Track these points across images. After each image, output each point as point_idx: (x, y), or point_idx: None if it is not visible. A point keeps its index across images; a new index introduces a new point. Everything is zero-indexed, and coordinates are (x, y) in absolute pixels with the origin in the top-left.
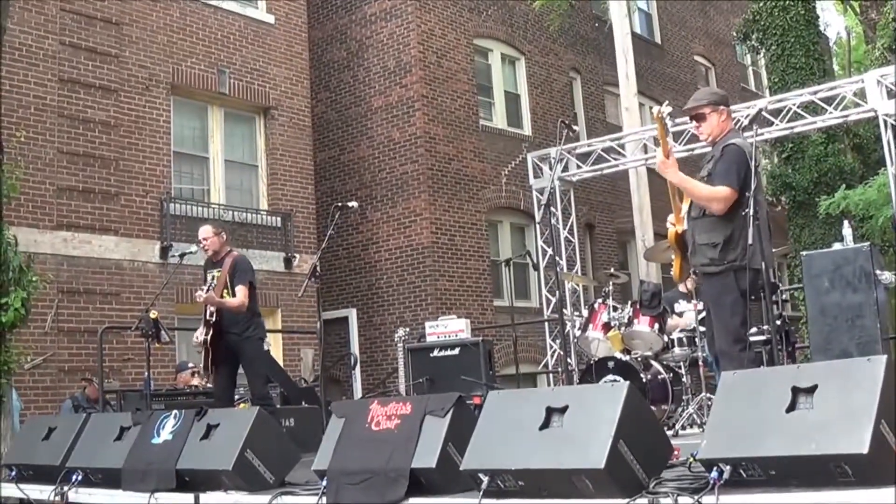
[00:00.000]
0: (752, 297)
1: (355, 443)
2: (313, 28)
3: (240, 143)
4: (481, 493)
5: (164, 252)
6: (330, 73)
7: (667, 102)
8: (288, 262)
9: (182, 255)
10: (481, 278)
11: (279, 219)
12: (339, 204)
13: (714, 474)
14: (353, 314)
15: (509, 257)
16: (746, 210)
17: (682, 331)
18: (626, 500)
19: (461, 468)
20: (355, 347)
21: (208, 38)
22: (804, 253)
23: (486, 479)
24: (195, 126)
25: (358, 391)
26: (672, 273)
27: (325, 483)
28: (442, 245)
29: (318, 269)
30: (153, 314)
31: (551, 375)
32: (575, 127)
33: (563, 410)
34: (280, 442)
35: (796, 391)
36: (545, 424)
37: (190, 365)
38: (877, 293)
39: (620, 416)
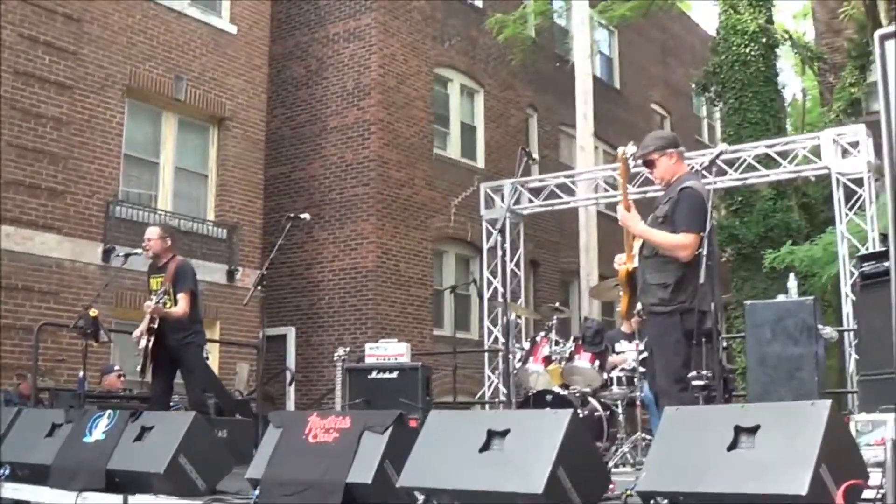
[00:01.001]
0: (695, 342)
1: (291, 454)
2: (274, 43)
3: (192, 151)
4: None
5: (107, 254)
6: (287, 89)
7: (631, 143)
8: (231, 274)
9: (127, 256)
10: (423, 306)
11: (225, 231)
12: (292, 214)
13: None
14: (291, 332)
15: (454, 284)
16: (700, 250)
17: (621, 370)
18: None
19: (397, 485)
20: (292, 366)
21: (169, 43)
22: (748, 302)
23: (421, 498)
24: (148, 130)
25: (291, 409)
26: (619, 310)
27: (257, 492)
28: (386, 270)
29: (265, 278)
30: (93, 312)
31: (487, 406)
32: (535, 156)
33: (504, 434)
34: (214, 449)
35: (739, 430)
36: (485, 447)
37: (116, 368)
38: (817, 347)
39: (562, 443)
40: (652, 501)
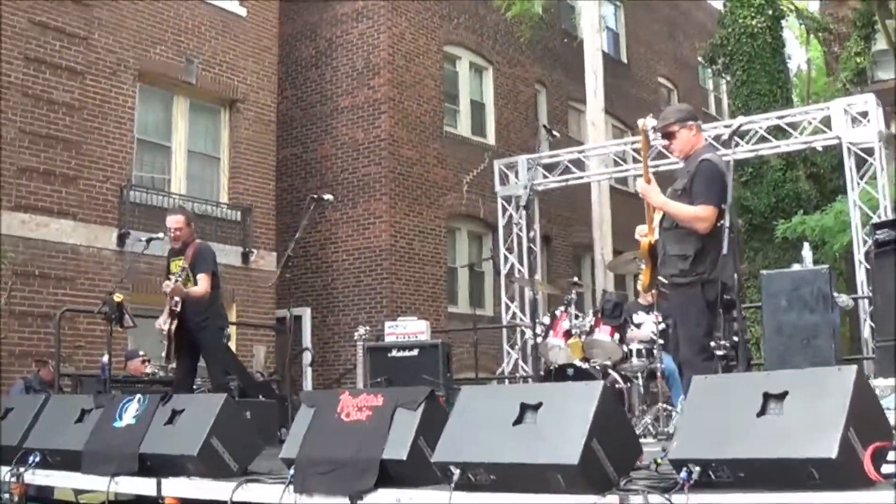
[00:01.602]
0: (717, 312)
1: (325, 432)
2: (283, 24)
3: (204, 134)
4: (452, 485)
5: (122, 239)
6: (297, 70)
7: (650, 115)
8: (245, 256)
9: (149, 241)
10: (437, 284)
11: (239, 213)
12: (315, 195)
13: (683, 474)
14: (307, 313)
15: (472, 262)
16: (721, 222)
17: (640, 342)
18: (597, 497)
19: (432, 461)
20: (308, 346)
21: (178, 27)
22: (764, 272)
23: (457, 472)
24: (160, 114)
25: (308, 389)
26: (640, 283)
27: (292, 471)
28: (400, 248)
29: (291, 260)
30: (118, 297)
31: (507, 381)
32: (556, 133)
33: (536, 407)
34: (245, 431)
35: (767, 397)
36: (518, 420)
37: (140, 353)
38: (833, 315)
39: (594, 414)
40: (684, 468)
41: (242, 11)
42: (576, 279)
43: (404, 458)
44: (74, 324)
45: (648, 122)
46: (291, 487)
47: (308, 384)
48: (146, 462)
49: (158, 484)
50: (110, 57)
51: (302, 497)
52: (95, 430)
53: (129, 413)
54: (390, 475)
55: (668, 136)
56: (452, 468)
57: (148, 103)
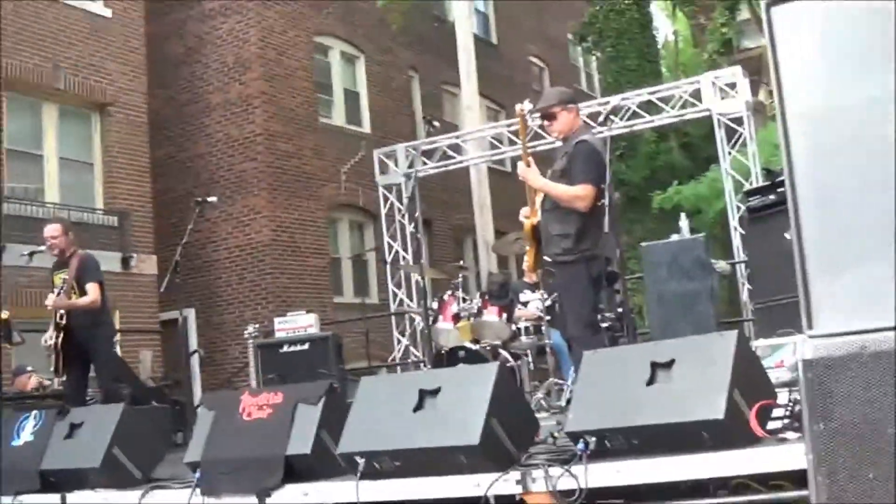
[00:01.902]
0: (602, 286)
1: (228, 433)
2: (151, 23)
3: (75, 140)
4: (358, 475)
5: None
6: (168, 69)
7: (528, 100)
8: (125, 262)
9: (32, 254)
10: (321, 275)
11: (116, 218)
12: (199, 199)
13: (581, 446)
14: (191, 314)
15: (358, 252)
16: (602, 201)
17: (528, 320)
18: (501, 474)
19: (337, 452)
20: (194, 347)
21: (43, 32)
22: (643, 244)
23: (362, 462)
24: (28, 123)
25: (198, 392)
26: (525, 265)
27: (198, 474)
28: (282, 243)
29: (179, 265)
30: (4, 314)
31: (399, 368)
32: (436, 123)
33: (435, 392)
34: (145, 438)
35: (655, 366)
36: (419, 406)
37: (28, 368)
38: (712, 281)
39: (492, 395)
40: (581, 440)
41: (108, 13)
42: (461, 263)
43: (308, 452)
44: None
45: (526, 106)
46: (198, 490)
47: (198, 386)
48: (49, 478)
49: (63, 499)
50: None
51: (210, 499)
52: None
53: (27, 430)
54: (296, 470)
55: (549, 117)
56: (357, 458)
57: (15, 112)
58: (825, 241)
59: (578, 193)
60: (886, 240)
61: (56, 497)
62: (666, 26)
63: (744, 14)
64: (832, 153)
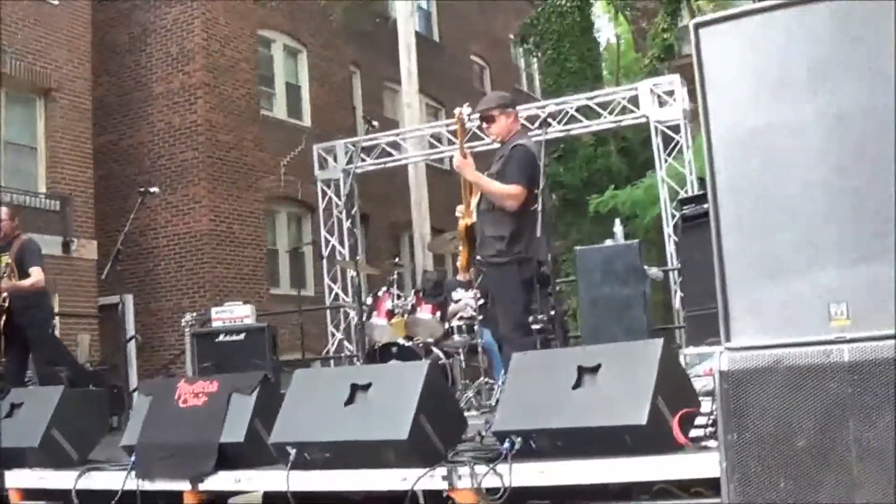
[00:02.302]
0: (533, 289)
1: (164, 419)
2: (97, 10)
3: (20, 124)
4: (289, 464)
5: None
6: (112, 56)
7: (467, 104)
8: (66, 245)
9: None
10: (258, 266)
11: (58, 202)
12: (142, 189)
13: (506, 445)
14: (129, 300)
15: (295, 245)
16: (535, 206)
17: (461, 318)
18: (427, 469)
19: (270, 441)
20: (131, 333)
21: None
22: (577, 248)
23: (293, 452)
24: None
25: (134, 377)
26: (459, 263)
27: (133, 458)
28: (220, 233)
29: (120, 253)
30: None
31: (333, 362)
32: (375, 123)
33: (366, 387)
34: (83, 421)
35: (582, 370)
36: (350, 400)
37: None
38: (644, 287)
39: (421, 392)
40: (507, 439)
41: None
42: (397, 260)
43: (242, 440)
44: None
45: (465, 110)
46: (133, 473)
47: (133, 371)
48: None
49: (1, 476)
50: None
51: (144, 483)
52: None
53: None
54: (229, 457)
55: (488, 119)
56: (289, 448)
57: None
58: (743, 256)
59: (510, 192)
60: (801, 258)
61: None
62: (609, 29)
63: (685, 20)
64: (752, 171)
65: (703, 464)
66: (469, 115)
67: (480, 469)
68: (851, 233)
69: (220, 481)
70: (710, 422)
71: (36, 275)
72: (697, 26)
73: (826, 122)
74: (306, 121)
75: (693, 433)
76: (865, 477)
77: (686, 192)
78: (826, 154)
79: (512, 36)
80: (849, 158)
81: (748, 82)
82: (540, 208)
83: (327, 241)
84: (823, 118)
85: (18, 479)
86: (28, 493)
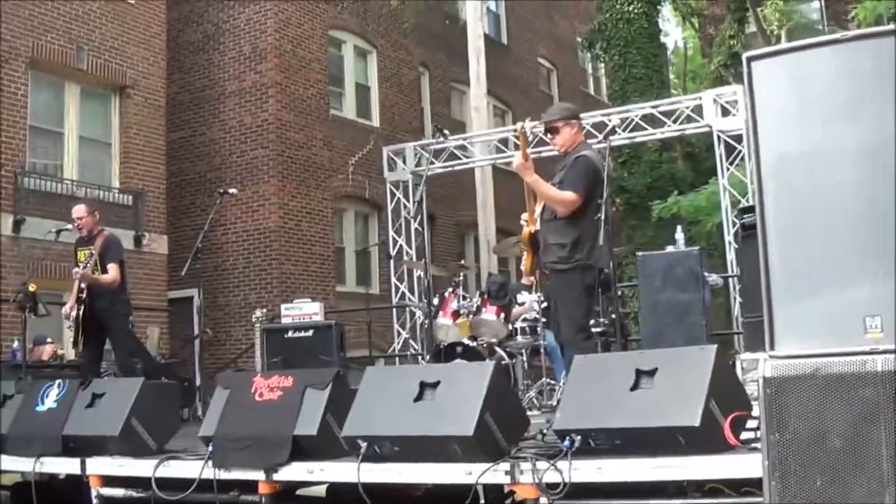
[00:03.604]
0: (595, 294)
1: (240, 412)
2: (170, 9)
3: (95, 119)
4: (360, 457)
5: (17, 226)
6: (185, 54)
7: (529, 119)
8: (138, 240)
9: (58, 232)
10: (325, 264)
11: (131, 197)
12: (221, 191)
13: (567, 443)
14: (198, 294)
15: (364, 246)
16: (598, 215)
17: (524, 320)
18: (491, 464)
19: (342, 435)
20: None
21: (68, 14)
22: (640, 253)
23: (364, 445)
24: (52, 101)
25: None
26: (523, 267)
27: (210, 448)
28: (289, 230)
29: (199, 251)
30: (32, 287)
31: (398, 360)
32: (446, 132)
33: (435, 385)
34: (161, 412)
35: (639, 373)
36: (419, 397)
37: (48, 339)
38: (704, 293)
39: (487, 390)
40: (567, 437)
41: None
42: (463, 262)
43: (314, 433)
44: None
45: (527, 125)
46: (210, 462)
47: (199, 365)
48: (69, 443)
49: (83, 463)
50: (2, 45)
51: (220, 472)
52: (18, 414)
53: (51, 398)
54: (302, 449)
55: (552, 130)
56: (360, 441)
57: (40, 91)
58: (788, 271)
59: (564, 197)
60: (839, 274)
61: (76, 461)
62: (676, 33)
63: (752, 27)
64: (798, 192)
65: (753, 464)
66: (532, 128)
67: (542, 465)
68: (885, 252)
69: (294, 472)
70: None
71: (113, 272)
72: (749, 59)
73: (864, 149)
74: (375, 121)
75: (744, 435)
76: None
77: (747, 200)
78: (863, 178)
79: (579, 39)
80: (884, 183)
81: (794, 111)
82: (603, 217)
83: (395, 241)
84: (861, 145)
85: (99, 466)
86: (108, 480)
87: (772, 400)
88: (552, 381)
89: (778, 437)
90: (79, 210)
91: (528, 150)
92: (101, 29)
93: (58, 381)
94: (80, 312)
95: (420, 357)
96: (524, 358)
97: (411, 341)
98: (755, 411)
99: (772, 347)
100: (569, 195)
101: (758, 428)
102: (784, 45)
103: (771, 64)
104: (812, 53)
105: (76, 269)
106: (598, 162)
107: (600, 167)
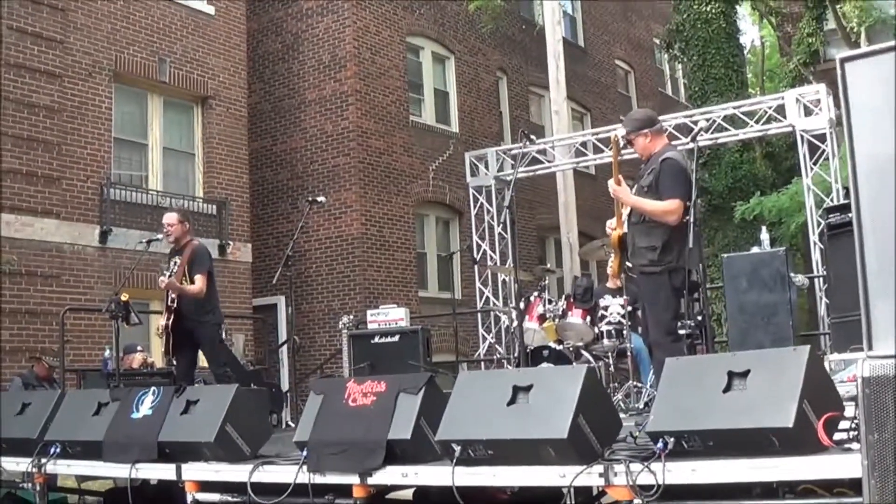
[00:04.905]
0: (683, 297)
1: (334, 417)
2: (250, 20)
3: (178, 130)
4: (454, 460)
5: (104, 236)
6: (265, 64)
7: (620, 126)
8: (222, 249)
9: (149, 242)
10: (408, 269)
11: (214, 206)
12: (310, 199)
13: (660, 445)
14: (281, 301)
15: (451, 251)
16: (687, 217)
17: (609, 323)
18: (585, 467)
19: (436, 439)
20: (284, 334)
21: (150, 28)
22: (724, 255)
23: (458, 449)
24: (135, 113)
25: (286, 377)
26: (610, 270)
27: (305, 453)
28: (371, 236)
29: (290, 259)
30: (124, 297)
31: (483, 364)
32: (533, 136)
33: (528, 389)
34: (255, 418)
35: (732, 375)
36: (512, 401)
37: (138, 348)
38: (790, 294)
39: (580, 394)
40: (660, 439)
41: (211, 10)
42: (548, 266)
43: (408, 437)
44: (58, 319)
45: (619, 132)
46: (305, 467)
47: (285, 372)
48: (164, 449)
49: (178, 469)
50: (86, 59)
51: (315, 476)
52: (114, 421)
53: (146, 405)
54: (396, 454)
55: (629, 142)
56: (454, 445)
57: (123, 103)
58: (885, 272)
59: (668, 208)
60: None
61: (171, 467)
62: (753, 31)
63: (832, 22)
64: (891, 193)
65: (847, 465)
66: (623, 136)
67: (636, 467)
68: None
69: (388, 475)
70: (854, 425)
71: (199, 282)
72: (843, 61)
73: None
74: (454, 126)
75: (837, 436)
76: None
77: (832, 200)
78: None
79: (656, 40)
80: None
81: (888, 112)
82: (692, 219)
83: (478, 246)
84: None
85: (195, 471)
86: (204, 485)
87: (871, 400)
88: (639, 384)
89: (877, 436)
90: (169, 217)
91: (619, 158)
92: (183, 41)
93: (152, 389)
94: (170, 321)
95: (506, 361)
96: (610, 361)
97: (497, 346)
98: (847, 412)
99: (870, 347)
100: (672, 205)
101: (850, 429)
102: (878, 45)
103: (865, 65)
104: None
105: (161, 278)
106: (684, 163)
107: (688, 169)
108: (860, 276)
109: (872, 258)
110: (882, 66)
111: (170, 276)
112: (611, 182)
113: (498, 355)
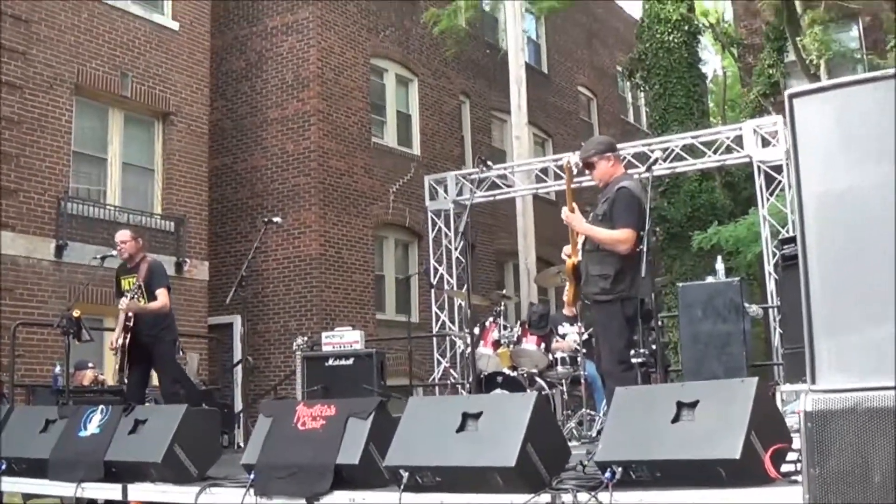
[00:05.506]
0: (636, 325)
1: (283, 440)
2: (214, 37)
3: (138, 146)
4: (402, 487)
5: (60, 250)
6: (228, 82)
7: (573, 153)
8: (179, 266)
9: (103, 258)
10: (366, 291)
11: (172, 223)
12: (266, 219)
13: (608, 475)
14: (237, 321)
15: (407, 274)
16: (640, 247)
17: (564, 351)
18: (532, 496)
19: (384, 464)
20: (239, 354)
21: (114, 41)
22: (680, 284)
23: (406, 475)
24: (95, 127)
25: (238, 397)
26: (565, 298)
27: (252, 476)
28: (330, 257)
29: (244, 279)
30: (76, 313)
31: (437, 389)
32: (490, 163)
33: (477, 416)
34: (204, 439)
35: (680, 405)
36: (461, 427)
37: (90, 364)
38: (744, 324)
39: (529, 422)
40: (608, 469)
41: (175, 26)
42: (504, 292)
43: (357, 462)
44: (10, 333)
45: (572, 158)
46: (252, 490)
47: (237, 392)
48: (111, 469)
49: (124, 489)
50: (48, 71)
51: (262, 500)
52: (61, 439)
53: (94, 423)
54: (344, 478)
55: (588, 166)
56: (402, 471)
57: (84, 116)
58: (830, 306)
59: (620, 237)
60: (884, 308)
61: (118, 487)
62: (716, 60)
63: (792, 55)
64: (840, 228)
65: (792, 497)
66: (576, 163)
67: (583, 497)
68: None
69: (336, 500)
70: (800, 457)
71: (162, 297)
72: (791, 96)
73: None
74: (416, 149)
75: (784, 468)
76: None
77: (787, 231)
78: None
79: (619, 68)
80: None
81: (836, 147)
82: (645, 249)
83: (436, 270)
84: None
85: (141, 492)
86: None
87: (813, 434)
88: (592, 412)
89: (819, 471)
90: (122, 235)
91: (573, 185)
92: (146, 56)
93: (101, 407)
94: (126, 340)
95: (460, 386)
96: (564, 388)
97: (451, 370)
98: (795, 443)
99: (813, 381)
100: (623, 234)
101: (798, 460)
102: (825, 81)
103: (813, 101)
104: (853, 90)
105: (122, 300)
106: (639, 193)
107: (642, 198)
108: (805, 311)
109: (817, 293)
110: (830, 103)
111: (131, 297)
112: (564, 209)
113: (452, 380)
